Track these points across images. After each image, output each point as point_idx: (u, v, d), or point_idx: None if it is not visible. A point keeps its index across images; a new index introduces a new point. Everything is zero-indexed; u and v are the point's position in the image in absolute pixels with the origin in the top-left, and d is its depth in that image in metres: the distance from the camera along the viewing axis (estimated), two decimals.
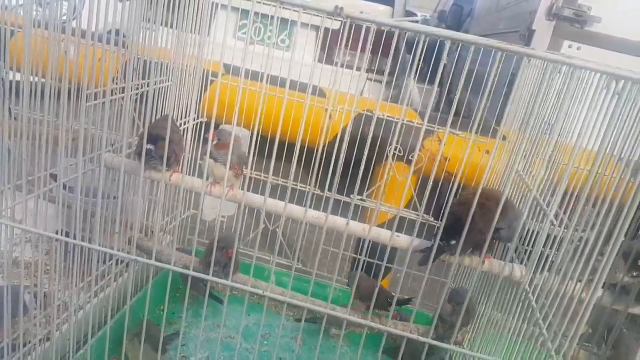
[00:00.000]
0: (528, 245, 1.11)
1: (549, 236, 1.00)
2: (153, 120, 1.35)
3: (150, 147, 1.14)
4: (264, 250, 2.12)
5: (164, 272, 1.71)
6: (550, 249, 0.98)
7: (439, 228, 1.06)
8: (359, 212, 1.90)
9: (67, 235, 1.16)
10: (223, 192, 1.15)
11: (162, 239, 1.83)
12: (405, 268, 1.06)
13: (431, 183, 1.02)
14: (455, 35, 0.85)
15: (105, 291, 1.51)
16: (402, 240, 1.10)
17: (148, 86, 1.47)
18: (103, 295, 1.50)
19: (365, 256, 1.81)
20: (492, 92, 0.92)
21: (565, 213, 1.00)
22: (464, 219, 0.96)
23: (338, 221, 1.14)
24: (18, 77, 1.07)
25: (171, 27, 1.51)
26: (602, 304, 1.27)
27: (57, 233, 1.16)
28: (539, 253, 1.01)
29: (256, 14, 2.03)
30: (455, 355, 1.56)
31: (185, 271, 1.08)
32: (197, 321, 1.72)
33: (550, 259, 0.98)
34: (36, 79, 1.07)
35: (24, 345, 1.20)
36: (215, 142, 1.19)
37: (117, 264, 1.53)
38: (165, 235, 1.89)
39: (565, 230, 0.94)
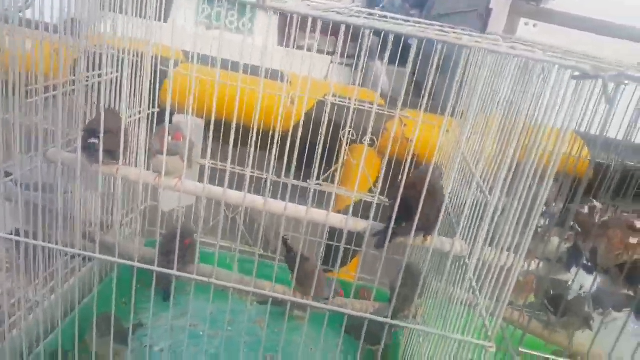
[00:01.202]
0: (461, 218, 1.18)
1: (480, 207, 1.07)
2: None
3: (93, 140, 1.14)
4: (225, 238, 2.14)
5: (124, 266, 1.70)
6: (481, 220, 1.05)
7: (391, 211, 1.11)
8: (325, 198, 1.95)
9: (19, 233, 1.15)
10: (173, 184, 1.16)
11: (121, 232, 1.82)
12: (364, 249, 1.10)
13: (389, 165, 1.06)
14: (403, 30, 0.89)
15: (63, 286, 1.50)
16: (360, 224, 1.14)
17: (99, 77, 1.45)
18: (62, 291, 1.50)
19: (327, 239, 1.86)
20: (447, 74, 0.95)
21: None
22: (413, 203, 1.02)
23: (299, 209, 1.17)
24: None
25: (126, 14, 1.48)
26: (541, 274, 1.37)
27: (12, 232, 1.15)
28: (468, 223, 1.08)
29: None
30: (410, 332, 1.64)
31: (130, 263, 1.09)
32: (159, 310, 1.73)
33: (481, 230, 1.05)
34: None
35: None
36: (169, 137, 1.19)
37: (71, 259, 1.52)
38: (124, 228, 1.88)
39: (490, 197, 1.01)
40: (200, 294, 1.90)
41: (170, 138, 1.17)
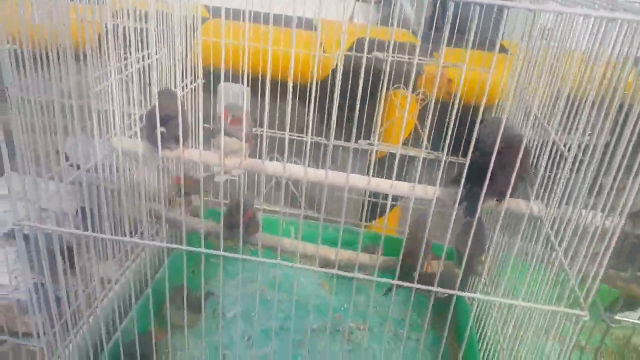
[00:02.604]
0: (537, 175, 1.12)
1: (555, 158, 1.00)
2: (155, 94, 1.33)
3: (161, 130, 1.14)
4: (278, 203, 2.16)
5: (190, 236, 1.75)
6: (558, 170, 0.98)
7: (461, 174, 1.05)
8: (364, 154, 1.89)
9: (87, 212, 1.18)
10: (237, 162, 1.16)
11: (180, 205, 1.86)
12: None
13: (435, 110, 0.99)
14: None
15: (135, 262, 1.57)
16: (429, 190, 1.11)
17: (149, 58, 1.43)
18: (135, 267, 1.57)
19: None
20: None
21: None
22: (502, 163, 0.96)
23: (337, 177, 1.15)
24: None
25: None
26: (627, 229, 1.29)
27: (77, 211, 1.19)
28: (546, 178, 1.02)
29: None
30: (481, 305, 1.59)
31: (198, 249, 1.11)
32: (229, 279, 1.79)
33: (561, 186, 0.99)
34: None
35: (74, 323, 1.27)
36: (229, 120, 1.17)
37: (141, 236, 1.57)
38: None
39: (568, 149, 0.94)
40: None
41: (227, 123, 1.15)
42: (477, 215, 0.99)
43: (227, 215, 1.51)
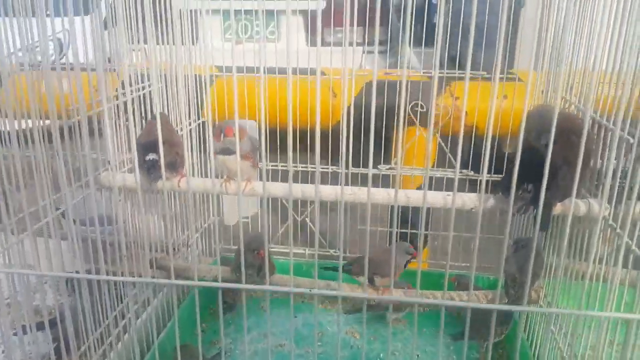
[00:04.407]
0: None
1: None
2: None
3: (152, 156, 0.99)
4: (296, 245, 1.97)
5: (193, 292, 1.57)
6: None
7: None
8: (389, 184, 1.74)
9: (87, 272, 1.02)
10: (239, 187, 0.99)
11: (186, 254, 1.69)
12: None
13: (460, 139, 0.83)
14: None
15: (137, 320, 1.38)
16: (467, 199, 0.93)
17: (143, 90, 1.33)
18: (135, 325, 1.37)
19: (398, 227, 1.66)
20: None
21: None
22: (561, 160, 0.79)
23: (358, 193, 0.99)
24: None
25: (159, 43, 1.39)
26: None
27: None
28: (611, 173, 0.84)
29: (239, 11, 1.98)
30: (532, 317, 1.40)
31: (214, 284, 0.93)
32: (241, 335, 1.58)
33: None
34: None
35: None
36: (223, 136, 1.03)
37: (141, 292, 1.39)
38: (189, 250, 1.75)
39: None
40: (280, 310, 1.75)
41: (222, 136, 1.00)
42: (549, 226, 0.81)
43: (237, 256, 1.34)
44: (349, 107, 1.62)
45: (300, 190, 0.98)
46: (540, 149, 0.79)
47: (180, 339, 0.96)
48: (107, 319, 1.19)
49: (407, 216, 1.81)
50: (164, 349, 1.29)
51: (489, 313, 0.84)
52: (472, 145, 1.67)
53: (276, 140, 1.25)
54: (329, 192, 0.98)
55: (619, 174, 0.84)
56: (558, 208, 0.92)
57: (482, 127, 1.72)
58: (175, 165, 1.04)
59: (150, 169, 1.00)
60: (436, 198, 0.93)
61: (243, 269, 0.88)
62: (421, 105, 1.64)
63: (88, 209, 1.11)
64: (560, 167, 0.82)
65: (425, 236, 1.86)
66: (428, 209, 1.84)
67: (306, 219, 1.78)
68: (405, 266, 1.45)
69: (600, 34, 0.90)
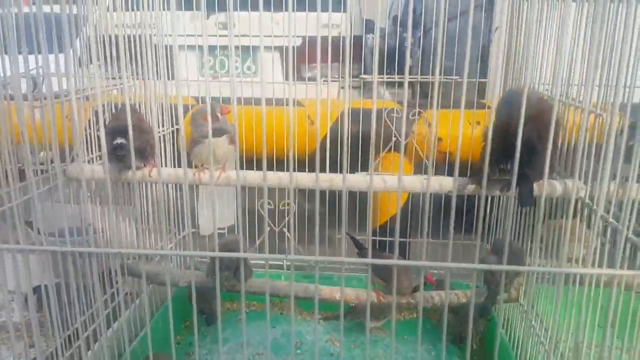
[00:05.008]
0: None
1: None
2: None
3: (120, 140, 0.97)
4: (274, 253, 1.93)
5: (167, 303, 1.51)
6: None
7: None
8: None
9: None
10: (212, 177, 0.98)
11: (162, 262, 1.63)
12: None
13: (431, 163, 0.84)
14: None
15: (112, 327, 1.31)
16: (445, 182, 0.93)
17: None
18: (109, 333, 1.31)
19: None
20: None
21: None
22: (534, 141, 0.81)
23: (335, 179, 0.96)
24: None
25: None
26: None
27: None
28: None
29: (215, 47, 2.04)
30: (509, 312, 1.40)
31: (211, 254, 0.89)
32: (217, 346, 1.52)
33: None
34: None
35: None
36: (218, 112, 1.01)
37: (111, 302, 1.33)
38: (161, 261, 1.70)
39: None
40: (258, 322, 1.69)
41: (219, 115, 0.99)
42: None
43: (211, 259, 1.30)
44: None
45: (277, 177, 0.97)
46: (512, 129, 0.81)
47: (152, 349, 0.91)
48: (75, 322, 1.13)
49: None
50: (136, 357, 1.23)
51: (467, 313, 0.84)
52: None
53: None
54: (305, 179, 0.97)
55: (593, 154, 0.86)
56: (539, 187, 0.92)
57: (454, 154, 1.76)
58: (144, 153, 1.01)
59: (118, 154, 0.97)
60: (414, 182, 0.93)
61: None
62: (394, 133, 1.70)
63: (57, 218, 1.07)
64: (534, 145, 0.84)
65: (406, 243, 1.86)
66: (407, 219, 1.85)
67: (284, 228, 1.75)
68: (415, 290, 1.38)
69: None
